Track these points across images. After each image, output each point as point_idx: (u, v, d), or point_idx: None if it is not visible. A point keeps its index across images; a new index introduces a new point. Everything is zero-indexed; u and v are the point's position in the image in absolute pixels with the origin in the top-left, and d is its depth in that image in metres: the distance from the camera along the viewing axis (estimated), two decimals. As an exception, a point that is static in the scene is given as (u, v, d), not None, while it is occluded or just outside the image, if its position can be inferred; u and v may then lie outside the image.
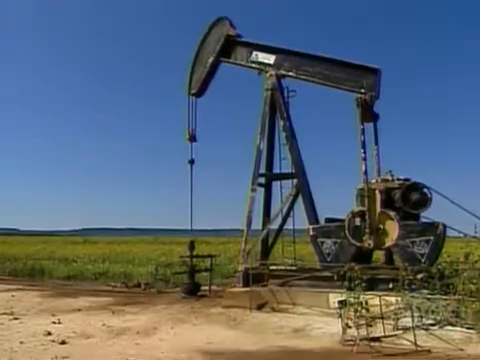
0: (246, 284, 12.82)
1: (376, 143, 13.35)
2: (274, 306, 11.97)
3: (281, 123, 14.44)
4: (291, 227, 14.77)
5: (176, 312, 12.27)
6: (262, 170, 14.86)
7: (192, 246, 15.69)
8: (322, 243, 12.60)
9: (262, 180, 15.03)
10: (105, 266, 22.29)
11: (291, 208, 14.70)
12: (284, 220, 14.78)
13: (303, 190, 13.93)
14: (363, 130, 12.30)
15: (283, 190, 14.78)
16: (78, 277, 20.05)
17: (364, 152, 12.18)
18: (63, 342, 9.18)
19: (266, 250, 14.84)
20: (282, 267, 13.69)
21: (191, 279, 15.27)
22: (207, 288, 15.21)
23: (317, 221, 13.41)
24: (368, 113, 12.60)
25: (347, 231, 12.33)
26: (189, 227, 15.49)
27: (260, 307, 12.00)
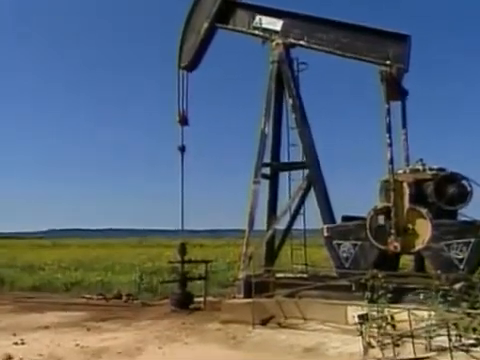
0: (248, 295, 12.88)
1: (404, 126, 13.30)
2: (281, 321, 12.03)
3: (290, 102, 14.43)
4: (301, 227, 14.84)
5: (164, 328, 12.28)
6: (267, 159, 14.87)
7: (183, 249, 15.70)
8: (339, 246, 12.64)
9: (267, 171, 15.05)
10: (78, 274, 22.35)
11: (301, 204, 14.72)
12: (293, 218, 14.83)
13: (316, 183, 13.94)
14: (388, 110, 12.23)
15: (292, 183, 14.84)
16: (46, 288, 20.12)
17: (390, 137, 12.11)
18: (27, 366, 9.15)
19: (272, 254, 14.91)
20: (291, 274, 13.75)
21: (182, 289, 15.31)
22: (201, 299, 15.25)
23: (333, 220, 13.45)
24: (395, 89, 12.55)
25: (369, 231, 12.34)
26: (180, 227, 15.51)
27: (264, 322, 12.04)
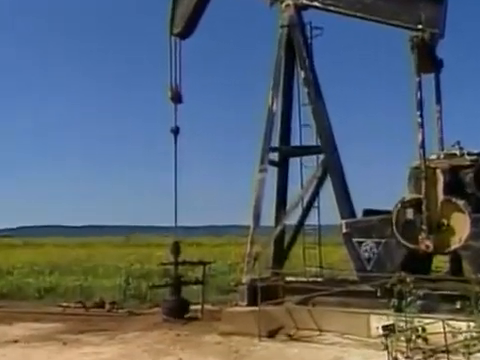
0: (253, 302, 12.89)
1: (438, 102, 13.23)
2: (292, 332, 12.05)
3: (302, 75, 14.37)
4: (316, 223, 14.82)
5: (155, 341, 12.27)
6: (275, 142, 14.86)
7: (177, 249, 15.69)
8: (359, 244, 12.64)
9: (275, 156, 15.05)
10: (54, 279, 22.38)
11: (316, 196, 14.71)
12: (306, 212, 14.83)
13: (333, 170, 13.90)
14: (420, 84, 12.12)
15: (305, 170, 14.80)
16: (15, 295, 20.07)
17: (421, 116, 12.03)
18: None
19: (281, 254, 14.93)
20: (303, 278, 13.77)
21: (176, 295, 15.32)
22: (198, 307, 15.27)
23: (352, 214, 13.44)
24: (427, 59, 12.46)
25: (395, 228, 12.32)
26: (173, 223, 15.49)
27: (272, 334, 12.07)
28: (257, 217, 14.32)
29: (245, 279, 13.81)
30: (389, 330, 9.30)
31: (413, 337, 9.23)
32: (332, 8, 13.72)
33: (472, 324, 9.67)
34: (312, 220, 14.87)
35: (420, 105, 12.05)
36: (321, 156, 14.21)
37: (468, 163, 12.15)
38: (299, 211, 14.83)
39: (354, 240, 12.71)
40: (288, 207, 14.82)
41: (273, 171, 15.06)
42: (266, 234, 14.73)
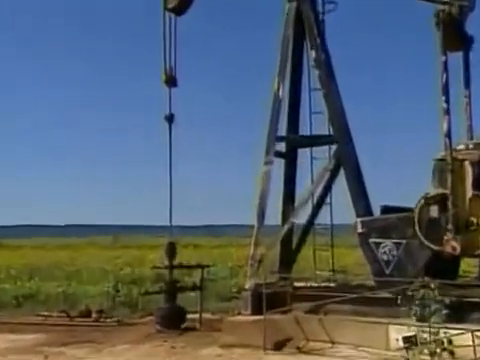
0: (257, 310, 12.89)
1: (467, 85, 13.14)
2: (301, 344, 12.03)
3: (312, 55, 14.35)
4: (328, 221, 14.82)
5: (147, 354, 12.23)
6: (282, 131, 14.83)
7: (172, 251, 15.68)
8: (377, 246, 12.62)
9: (282, 147, 15.02)
10: (33, 284, 22.36)
11: (328, 191, 14.69)
12: (317, 210, 14.82)
13: (347, 162, 13.89)
14: (446, 64, 12.05)
15: (315, 162, 14.78)
16: (-10, 303, 20.05)
17: (447, 101, 11.97)
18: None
19: (288, 257, 14.92)
20: (313, 284, 13.77)
21: (171, 302, 15.33)
22: (196, 316, 15.28)
23: (369, 211, 13.43)
24: (455, 35, 12.36)
25: (418, 227, 12.31)
26: (167, 222, 15.47)
27: (279, 346, 12.05)
28: (262, 215, 14.30)
29: (248, 284, 13.81)
30: (411, 342, 9.35)
31: (438, 350, 9.17)
32: (347, -21, 13.80)
33: (505, 336, 9.67)
34: (323, 219, 14.88)
35: (446, 89, 11.97)
36: (334, 146, 14.20)
37: (500, 154, 12.08)
38: (309, 208, 14.82)
39: (371, 241, 12.71)
40: (296, 204, 14.79)
41: (280, 163, 15.06)
42: (272, 234, 14.73)
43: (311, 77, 14.67)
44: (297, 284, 13.71)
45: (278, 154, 14.86)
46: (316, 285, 13.67)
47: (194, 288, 16.11)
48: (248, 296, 13.55)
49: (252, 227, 14.30)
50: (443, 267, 12.29)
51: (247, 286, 13.87)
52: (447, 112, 11.95)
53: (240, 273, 20.06)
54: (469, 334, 9.46)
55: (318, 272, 14.81)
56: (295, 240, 15.17)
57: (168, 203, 15.40)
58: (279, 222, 14.88)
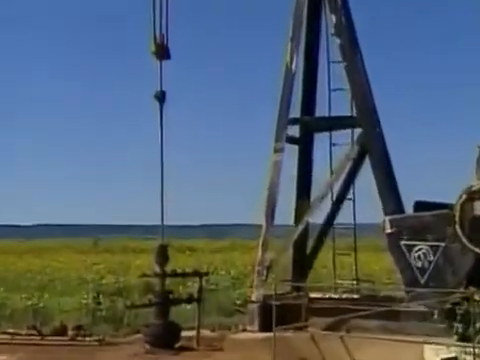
0: (266, 326, 12.90)
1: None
2: (319, 367, 12.04)
3: (332, 19, 14.32)
4: (350, 221, 14.78)
5: (134, 380, 12.22)
6: (295, 113, 14.81)
7: (164, 256, 15.61)
8: (410, 249, 12.63)
9: (295, 131, 15.02)
10: (-3, 296, 22.34)
11: (350, 184, 14.72)
12: (336, 207, 14.84)
13: (374, 149, 13.86)
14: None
15: (335, 150, 14.79)
16: None
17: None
18: None
19: (303, 263, 14.95)
20: (333, 294, 13.78)
21: (163, 318, 15.26)
22: (193, 334, 15.22)
23: (400, 208, 13.42)
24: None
25: (459, 227, 12.28)
26: (158, 221, 15.39)
27: (292, 369, 12.05)
28: (271, 213, 14.30)
29: (256, 296, 13.87)
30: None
31: (483, 374, 9.14)
32: None
33: None
34: (345, 217, 14.86)
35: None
36: (357, 130, 14.19)
37: None
38: (327, 205, 14.83)
39: (402, 243, 12.71)
40: (313, 200, 14.79)
41: (292, 151, 15.04)
42: (283, 236, 14.76)
43: (330, 47, 14.71)
44: (313, 295, 13.73)
45: (291, 140, 14.85)
46: (336, 296, 13.71)
47: (190, 300, 16.00)
48: (255, 309, 13.63)
49: (260, 227, 14.31)
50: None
51: (254, 297, 13.93)
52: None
53: (245, 282, 20.02)
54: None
55: (338, 281, 14.85)
56: (311, 243, 15.21)
57: (159, 198, 15.27)
58: (292, 221, 14.90)
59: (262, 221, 14.30)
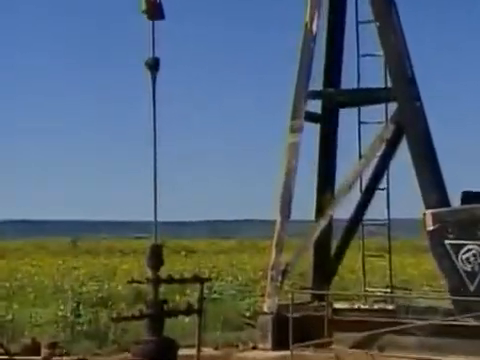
0: (281, 343, 13.00)
1: None
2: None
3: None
4: (383, 216, 14.85)
5: None
6: (317, 85, 14.92)
7: (158, 258, 15.48)
8: (457, 250, 12.60)
9: (316, 107, 15.09)
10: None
11: (383, 171, 14.78)
12: (366, 199, 14.89)
13: (413, 129, 13.83)
14: None
15: (365, 129, 14.87)
16: None
17: None
18: None
19: (326, 266, 15.02)
20: (362, 305, 13.89)
21: (155, 333, 15.14)
22: (192, 352, 15.14)
23: (445, 200, 13.43)
24: None
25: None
26: (150, 217, 15.27)
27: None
28: (287, 206, 14.26)
29: (268, 306, 13.83)
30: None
31: None
32: None
33: None
34: (377, 212, 14.95)
35: None
36: (392, 106, 14.18)
37: None
38: (355, 197, 14.86)
39: (447, 243, 12.66)
40: (337, 190, 14.79)
41: (313, 131, 15.12)
42: (302, 234, 14.78)
43: (359, 3, 14.69)
44: (339, 305, 13.75)
45: (310, 117, 14.82)
46: (366, 307, 13.72)
47: (189, 311, 15.90)
48: (268, 323, 13.60)
49: (273, 223, 14.23)
50: None
51: (266, 308, 13.91)
52: None
53: (256, 290, 20.10)
54: None
55: (369, 289, 14.90)
56: (335, 243, 15.28)
57: (152, 188, 15.14)
58: (312, 216, 14.93)
59: (276, 216, 14.22)
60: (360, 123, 14.87)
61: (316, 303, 13.92)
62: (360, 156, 14.69)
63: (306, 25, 14.31)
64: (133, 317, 16.23)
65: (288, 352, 12.41)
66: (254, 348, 13.82)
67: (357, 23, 14.79)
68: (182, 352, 15.20)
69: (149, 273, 15.53)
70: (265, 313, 13.87)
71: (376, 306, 13.78)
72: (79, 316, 18.93)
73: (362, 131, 14.87)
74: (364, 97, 14.73)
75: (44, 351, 16.99)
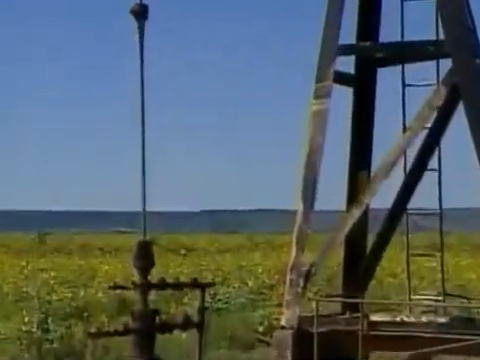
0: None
1: None
2: None
3: None
4: (434, 205, 14.73)
5: None
6: (349, 38, 14.85)
7: (147, 257, 15.25)
8: None
9: (347, 65, 15.01)
10: None
11: (434, 147, 14.69)
12: (412, 183, 14.86)
13: (472, 94, 13.60)
14: None
15: (410, 93, 14.75)
16: None
17: None
18: None
19: (360, 268, 14.95)
20: (406, 317, 13.85)
21: (145, 352, 14.95)
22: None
23: None
24: None
25: None
26: (138, 207, 15.00)
27: None
28: (311, 193, 14.08)
29: (287, 318, 13.70)
30: None
31: None
32: None
33: None
34: (425, 199, 14.94)
35: None
36: (446, 63, 14.02)
37: None
38: (398, 180, 14.83)
39: None
40: (374, 172, 14.64)
41: (344, 95, 15.05)
42: (330, 227, 14.65)
43: None
44: (376, 318, 13.78)
45: (341, 78, 14.72)
46: (412, 320, 13.66)
47: (187, 325, 15.71)
48: (286, 339, 13.43)
49: (293, 214, 14.04)
50: None
51: (284, 321, 13.79)
52: None
53: (271, 298, 20.09)
54: None
55: (415, 296, 14.77)
56: (372, 238, 15.26)
57: (139, 170, 14.81)
58: (343, 205, 14.90)
59: (297, 205, 14.03)
60: (404, 85, 14.82)
61: (347, 315, 13.88)
62: (404, 128, 14.65)
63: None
64: (116, 333, 16.00)
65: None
66: (270, 369, 13.63)
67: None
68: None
69: (136, 276, 15.33)
70: (283, 327, 13.80)
71: (424, 319, 13.76)
72: (48, 331, 18.93)
73: (407, 96, 14.83)
74: (409, 52, 14.67)
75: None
